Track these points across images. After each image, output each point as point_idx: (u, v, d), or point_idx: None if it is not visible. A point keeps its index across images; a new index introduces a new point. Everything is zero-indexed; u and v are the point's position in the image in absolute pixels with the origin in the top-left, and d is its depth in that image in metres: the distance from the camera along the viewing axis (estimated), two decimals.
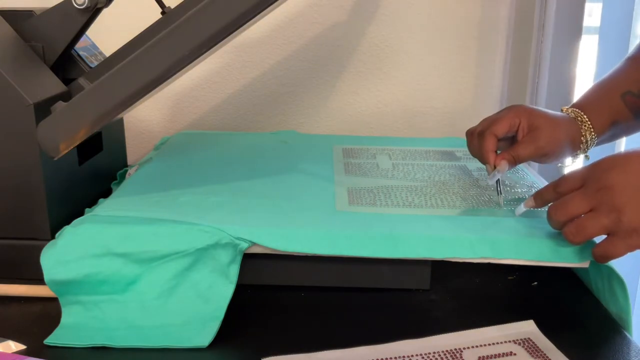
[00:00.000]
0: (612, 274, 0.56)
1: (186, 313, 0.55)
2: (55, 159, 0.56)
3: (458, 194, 0.69)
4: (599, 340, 0.54)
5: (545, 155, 0.66)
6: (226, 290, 0.56)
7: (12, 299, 0.60)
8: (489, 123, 0.67)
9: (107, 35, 0.78)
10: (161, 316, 0.55)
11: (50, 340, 0.52)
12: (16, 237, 0.60)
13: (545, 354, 0.50)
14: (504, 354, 0.50)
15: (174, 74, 0.53)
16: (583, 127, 0.68)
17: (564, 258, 0.57)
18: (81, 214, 0.62)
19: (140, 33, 0.69)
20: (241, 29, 0.57)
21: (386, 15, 0.99)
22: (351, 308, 0.59)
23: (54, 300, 0.56)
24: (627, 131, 0.71)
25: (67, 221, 0.59)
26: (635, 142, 1.19)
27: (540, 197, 0.59)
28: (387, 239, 0.57)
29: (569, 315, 0.57)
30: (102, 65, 0.67)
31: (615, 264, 0.55)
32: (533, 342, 0.51)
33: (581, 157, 0.70)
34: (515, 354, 0.50)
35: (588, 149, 0.69)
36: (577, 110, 0.69)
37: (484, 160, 0.67)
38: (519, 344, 0.51)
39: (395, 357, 0.50)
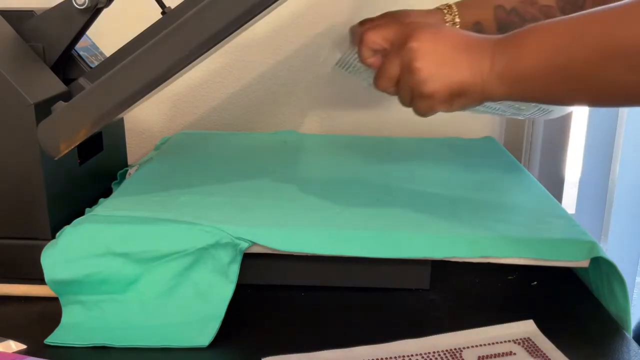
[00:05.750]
0: (612, 274, 0.56)
1: (186, 313, 0.55)
2: (56, 158, 0.56)
3: (458, 194, 0.69)
4: (599, 340, 0.54)
5: None
6: (226, 290, 0.56)
7: (12, 298, 0.60)
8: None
9: (107, 35, 0.78)
10: (161, 316, 0.55)
11: (50, 339, 0.52)
12: (16, 237, 0.60)
13: (545, 354, 0.50)
14: (503, 353, 0.50)
15: (174, 74, 0.53)
16: (451, 19, 0.73)
17: (564, 257, 0.57)
18: (81, 213, 0.62)
19: (140, 33, 0.69)
20: (241, 29, 0.57)
21: None
22: (351, 308, 0.59)
23: (54, 300, 0.56)
24: None
25: (68, 221, 0.59)
26: (635, 140, 1.19)
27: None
28: (387, 239, 0.57)
29: (568, 315, 0.57)
30: (103, 65, 0.67)
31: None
32: (533, 342, 0.51)
33: None
34: (515, 354, 0.50)
35: None
36: (452, 5, 0.75)
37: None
38: (519, 343, 0.51)
39: (395, 357, 0.50)
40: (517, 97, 0.52)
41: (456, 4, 0.77)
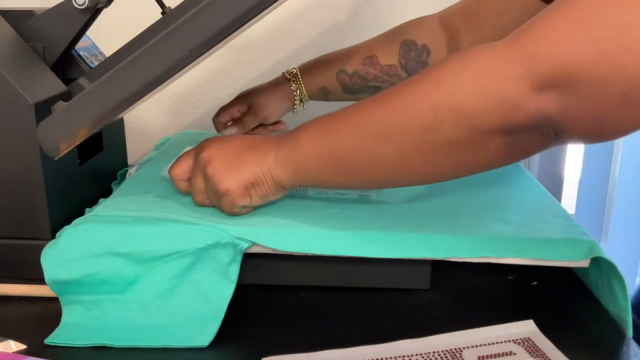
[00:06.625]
0: (612, 274, 0.56)
1: (186, 313, 0.55)
2: (56, 159, 0.56)
3: (458, 194, 0.69)
4: (599, 340, 0.54)
5: (267, 119, 0.85)
6: (226, 290, 0.56)
7: (12, 298, 0.60)
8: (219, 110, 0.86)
9: (107, 35, 0.78)
10: (161, 316, 0.55)
11: (50, 339, 0.52)
12: (17, 237, 0.60)
13: (545, 354, 0.50)
14: (503, 353, 0.50)
15: (174, 74, 0.53)
16: (297, 87, 0.83)
17: (564, 257, 0.57)
18: (82, 213, 0.62)
19: (140, 33, 0.69)
20: (241, 29, 0.57)
21: (386, 15, 0.99)
22: (351, 308, 0.59)
23: (54, 300, 0.56)
24: (342, 99, 0.84)
25: (68, 221, 0.59)
26: (634, 141, 1.19)
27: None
28: (387, 239, 0.57)
29: (568, 315, 0.57)
30: (102, 65, 0.67)
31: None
32: (533, 342, 0.51)
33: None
34: (514, 354, 0.50)
35: (303, 104, 0.85)
36: (297, 72, 0.83)
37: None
38: (519, 343, 0.51)
39: (396, 357, 0.50)
40: (305, 183, 0.58)
41: (301, 70, 0.83)
